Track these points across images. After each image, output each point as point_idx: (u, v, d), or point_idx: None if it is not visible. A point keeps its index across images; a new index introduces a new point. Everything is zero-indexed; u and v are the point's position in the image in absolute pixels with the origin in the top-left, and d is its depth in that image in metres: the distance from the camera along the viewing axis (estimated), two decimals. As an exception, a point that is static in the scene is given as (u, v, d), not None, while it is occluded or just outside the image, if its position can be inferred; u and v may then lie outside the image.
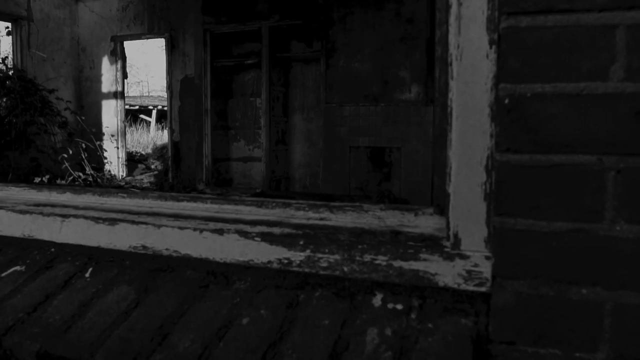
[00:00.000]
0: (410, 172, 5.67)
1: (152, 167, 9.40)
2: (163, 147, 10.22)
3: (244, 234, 0.79)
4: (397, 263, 0.71)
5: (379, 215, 0.81)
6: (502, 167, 0.63)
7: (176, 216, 0.90)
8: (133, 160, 9.23)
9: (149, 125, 15.03)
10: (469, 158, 0.67)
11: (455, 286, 0.70)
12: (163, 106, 12.36)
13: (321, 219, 0.84)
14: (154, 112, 14.97)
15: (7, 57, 6.96)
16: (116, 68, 7.87)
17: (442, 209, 0.77)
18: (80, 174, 6.87)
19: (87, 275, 0.89)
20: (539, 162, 0.60)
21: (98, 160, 7.57)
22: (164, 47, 7.48)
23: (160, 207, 0.96)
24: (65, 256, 0.95)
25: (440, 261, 0.70)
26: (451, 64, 0.68)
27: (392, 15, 5.73)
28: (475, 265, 0.69)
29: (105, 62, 7.93)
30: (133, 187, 6.78)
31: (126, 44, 8.10)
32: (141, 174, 8.70)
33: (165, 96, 7.59)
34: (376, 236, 0.75)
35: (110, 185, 6.89)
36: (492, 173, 0.67)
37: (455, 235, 0.69)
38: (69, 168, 6.67)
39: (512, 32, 0.61)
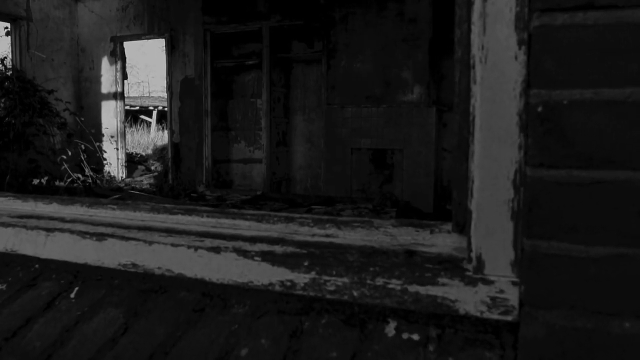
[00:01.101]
0: (412, 174, 5.60)
1: (152, 168, 9.34)
2: (163, 148, 10.16)
3: (243, 253, 0.72)
4: (413, 288, 0.64)
5: (390, 233, 0.74)
6: (534, 183, 0.56)
7: (169, 231, 0.83)
8: (133, 162, 9.17)
9: (150, 126, 14.98)
10: (494, 172, 0.60)
11: (478, 314, 0.62)
12: (164, 107, 12.30)
13: (327, 235, 0.76)
14: (155, 113, 14.92)
15: (5, 58, 6.90)
16: (116, 69, 7.81)
17: (461, 227, 0.70)
18: (80, 176, 6.81)
19: (72, 295, 0.82)
20: (577, 178, 0.53)
21: (97, 162, 7.51)
22: (164, 48, 7.42)
23: (152, 221, 0.89)
24: (49, 273, 0.88)
25: (461, 286, 0.63)
26: (474, 67, 0.61)
27: (394, 15, 5.66)
28: (501, 291, 0.62)
29: (105, 62, 7.87)
30: (132, 188, 6.71)
31: (127, 44, 8.05)
32: (141, 175, 8.63)
33: (166, 97, 7.53)
34: (389, 257, 0.68)
35: (109, 187, 6.82)
36: (520, 189, 0.60)
37: (478, 258, 0.62)
38: (68, 169, 6.61)
39: (545, 31, 0.54)
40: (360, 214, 5.15)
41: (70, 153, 6.76)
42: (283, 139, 6.78)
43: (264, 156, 6.49)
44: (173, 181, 7.26)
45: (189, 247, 0.76)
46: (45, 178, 6.28)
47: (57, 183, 6.33)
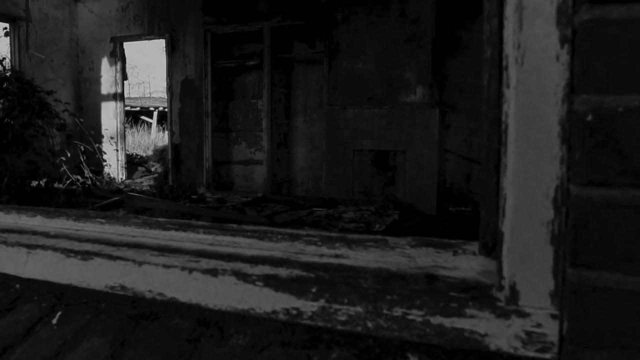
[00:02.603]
0: (414, 175, 5.53)
1: (152, 169, 9.27)
2: (163, 150, 10.09)
3: (243, 277, 0.64)
4: (436, 319, 0.57)
5: (408, 254, 0.66)
6: (580, 204, 0.48)
7: (162, 249, 0.75)
8: (133, 163, 9.10)
9: (150, 126, 14.91)
10: (531, 189, 0.53)
11: (511, 351, 0.55)
12: (164, 107, 12.24)
13: (337, 256, 0.69)
14: (155, 114, 14.86)
15: (4, 58, 6.83)
16: (116, 69, 7.74)
17: (490, 250, 0.62)
18: (79, 177, 6.74)
19: (54, 321, 0.74)
20: (635, 199, 0.46)
21: (97, 163, 7.44)
22: (164, 49, 7.35)
23: (144, 237, 0.81)
24: (31, 295, 0.80)
25: (491, 319, 0.55)
26: (507, 69, 0.53)
27: (396, 15, 5.59)
28: (538, 325, 0.54)
29: (105, 63, 7.80)
30: (132, 190, 6.64)
31: (127, 44, 7.98)
32: (141, 176, 8.56)
33: (166, 97, 7.46)
34: (408, 282, 0.60)
35: (108, 189, 6.75)
36: (562, 209, 0.52)
37: (512, 287, 0.54)
38: (67, 171, 6.54)
39: (596, 27, 0.47)
40: (362, 216, 5.08)
41: (69, 154, 6.70)
42: (284, 140, 6.71)
43: (265, 157, 6.41)
44: (173, 183, 7.19)
45: (182, 268, 0.68)
46: (44, 180, 6.21)
47: (56, 185, 6.26)
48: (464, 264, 0.64)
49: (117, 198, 5.59)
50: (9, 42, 7.11)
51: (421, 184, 5.54)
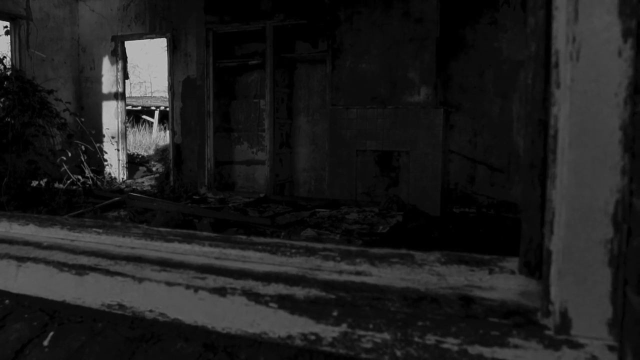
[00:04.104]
0: (418, 176, 5.47)
1: (154, 169, 9.21)
2: (165, 149, 10.04)
3: (255, 297, 0.58)
4: (475, 349, 0.50)
5: (438, 271, 0.59)
6: (650, 221, 0.42)
7: (164, 263, 0.68)
8: (134, 163, 9.04)
9: (152, 126, 14.86)
10: (586, 203, 0.46)
11: (561, 386, 0.48)
12: (166, 107, 12.19)
13: (358, 273, 0.62)
14: (157, 113, 14.80)
15: (5, 57, 6.78)
16: (117, 68, 7.68)
17: (533, 269, 0.55)
18: (80, 177, 6.68)
19: (45, 342, 0.67)
20: None
21: (98, 163, 7.38)
22: (166, 48, 7.29)
23: (144, 249, 0.75)
24: (21, 312, 0.73)
25: (539, 349, 0.49)
26: (557, 66, 0.47)
27: (400, 15, 5.53)
28: (593, 357, 0.47)
29: (106, 62, 7.74)
30: (133, 190, 6.58)
31: (129, 44, 7.93)
32: (142, 176, 8.51)
33: (168, 97, 7.40)
34: (440, 305, 0.53)
35: (109, 189, 6.69)
36: (622, 227, 0.45)
37: (563, 314, 0.48)
38: (68, 171, 6.48)
39: (670, 17, 0.40)
40: (366, 217, 5.02)
41: (70, 154, 6.64)
42: (286, 141, 6.65)
43: (267, 158, 6.35)
44: (174, 183, 7.14)
45: (187, 286, 0.61)
46: (45, 180, 6.16)
47: (56, 185, 6.20)
48: (501, 283, 0.57)
49: (118, 198, 5.53)
50: (9, 41, 7.06)
51: (425, 184, 5.48)
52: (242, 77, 6.84)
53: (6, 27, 6.90)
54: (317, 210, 5.25)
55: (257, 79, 6.71)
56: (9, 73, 6.58)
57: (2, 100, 6.41)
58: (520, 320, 0.51)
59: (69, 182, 6.48)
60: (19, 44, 7.00)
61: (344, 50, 5.73)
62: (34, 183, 6.08)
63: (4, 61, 6.62)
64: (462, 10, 5.62)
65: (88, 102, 7.92)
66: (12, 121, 6.36)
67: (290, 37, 6.43)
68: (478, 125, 5.68)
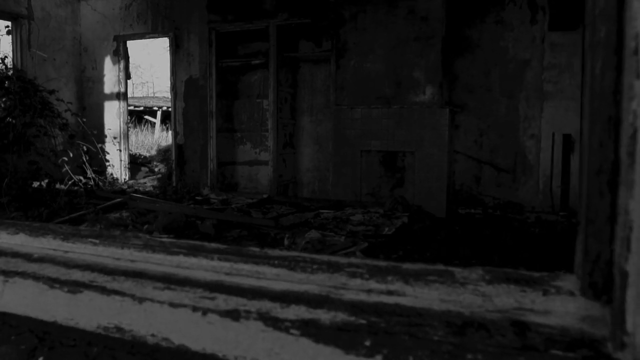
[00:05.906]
0: (424, 177, 5.38)
1: (156, 170, 9.16)
2: (167, 150, 9.99)
3: (273, 322, 0.50)
4: (534, 388, 0.42)
5: (482, 291, 0.51)
6: None
7: (167, 280, 0.60)
8: (136, 163, 8.99)
9: (154, 126, 14.82)
10: (674, 217, 0.38)
11: None
12: (168, 107, 12.14)
13: (390, 292, 0.54)
14: (159, 113, 14.76)
15: (6, 57, 6.73)
16: (119, 68, 7.63)
17: (598, 291, 0.47)
18: (81, 178, 6.62)
19: (34, 369, 0.59)
20: None
21: (100, 163, 7.32)
22: (168, 47, 7.23)
23: (145, 262, 0.67)
24: (8, 333, 0.66)
25: (611, 390, 0.41)
26: (637, 53, 0.39)
27: (405, 13, 5.45)
28: (678, 400, 0.40)
29: (108, 62, 7.69)
30: (135, 191, 6.52)
31: (131, 43, 7.87)
32: (144, 177, 8.45)
33: (170, 97, 7.34)
34: (490, 334, 0.45)
35: (111, 190, 6.63)
36: None
37: (642, 348, 0.40)
38: (70, 171, 6.42)
39: None
40: (371, 218, 4.93)
41: (71, 155, 6.58)
42: (290, 141, 6.58)
43: (271, 158, 6.28)
44: (177, 183, 7.07)
45: (194, 308, 0.54)
46: (46, 180, 6.10)
47: (58, 185, 6.14)
48: (559, 307, 0.49)
49: (120, 199, 5.47)
50: (11, 41, 7.01)
51: (430, 185, 5.40)
52: (245, 76, 6.77)
53: (7, 26, 6.86)
54: (321, 211, 5.17)
55: (260, 79, 6.64)
56: (10, 73, 6.53)
57: (3, 100, 6.37)
58: (589, 353, 0.43)
59: (70, 182, 6.42)
60: (21, 44, 6.95)
61: (348, 50, 5.66)
62: (36, 184, 6.03)
63: (6, 61, 6.57)
64: (468, 8, 5.54)
65: (90, 102, 7.86)
66: (14, 121, 6.31)
67: (294, 36, 6.36)
68: (484, 125, 5.60)
